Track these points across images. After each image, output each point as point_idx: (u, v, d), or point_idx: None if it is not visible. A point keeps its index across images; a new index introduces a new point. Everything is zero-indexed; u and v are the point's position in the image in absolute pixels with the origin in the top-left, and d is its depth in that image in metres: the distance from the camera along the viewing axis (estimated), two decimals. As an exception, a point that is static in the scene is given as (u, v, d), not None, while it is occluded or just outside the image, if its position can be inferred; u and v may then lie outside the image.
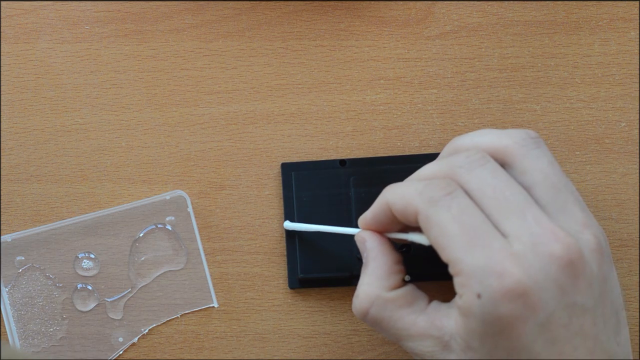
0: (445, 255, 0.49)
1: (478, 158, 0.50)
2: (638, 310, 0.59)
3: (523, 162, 0.50)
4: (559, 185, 0.50)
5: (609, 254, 0.50)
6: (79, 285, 0.59)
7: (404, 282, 0.53)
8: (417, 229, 0.51)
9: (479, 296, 0.48)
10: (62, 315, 0.59)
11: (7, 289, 0.59)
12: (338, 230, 0.56)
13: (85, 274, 0.59)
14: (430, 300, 0.52)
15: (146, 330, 0.59)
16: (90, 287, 0.59)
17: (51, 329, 0.59)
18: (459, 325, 0.49)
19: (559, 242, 0.48)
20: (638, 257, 0.60)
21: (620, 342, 0.49)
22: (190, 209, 0.59)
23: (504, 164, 0.51)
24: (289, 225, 0.58)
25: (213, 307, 0.59)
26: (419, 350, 0.51)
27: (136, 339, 0.59)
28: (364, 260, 0.53)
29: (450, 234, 0.48)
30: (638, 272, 0.60)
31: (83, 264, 0.59)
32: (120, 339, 0.59)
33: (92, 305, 0.59)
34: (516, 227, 0.48)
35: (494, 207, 0.49)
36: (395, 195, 0.51)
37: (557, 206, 0.49)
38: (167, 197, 0.59)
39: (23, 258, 0.59)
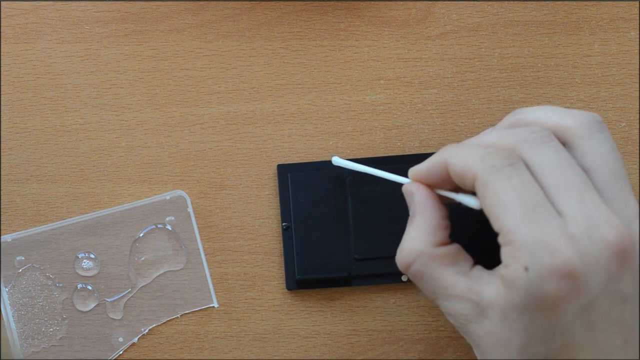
0: (498, 223, 0.48)
1: (543, 135, 0.50)
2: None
3: (584, 145, 0.50)
4: (618, 172, 0.49)
5: None
6: (79, 285, 0.59)
7: (450, 240, 0.52)
8: (468, 192, 0.51)
9: (526, 269, 0.47)
10: (62, 315, 0.59)
11: (7, 289, 0.59)
12: (387, 176, 0.55)
13: (85, 274, 0.59)
14: (474, 264, 0.52)
15: (146, 330, 0.59)
16: (90, 287, 0.59)
17: (51, 329, 0.59)
18: (499, 294, 0.49)
19: (613, 228, 0.48)
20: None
21: None
22: (190, 209, 0.59)
23: (565, 144, 0.51)
24: (337, 160, 0.58)
25: (213, 307, 0.59)
26: (454, 311, 0.51)
27: (136, 339, 0.59)
28: (410, 213, 0.53)
29: (507, 203, 0.48)
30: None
31: (83, 264, 0.59)
32: (120, 339, 0.59)
33: (92, 305, 0.59)
34: (573, 208, 0.48)
35: (553, 186, 0.49)
36: (455, 157, 0.50)
37: (614, 193, 0.49)
38: (167, 197, 0.59)
39: (23, 258, 0.59)
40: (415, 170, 0.53)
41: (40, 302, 0.59)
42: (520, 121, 0.52)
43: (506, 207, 0.48)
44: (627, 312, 0.48)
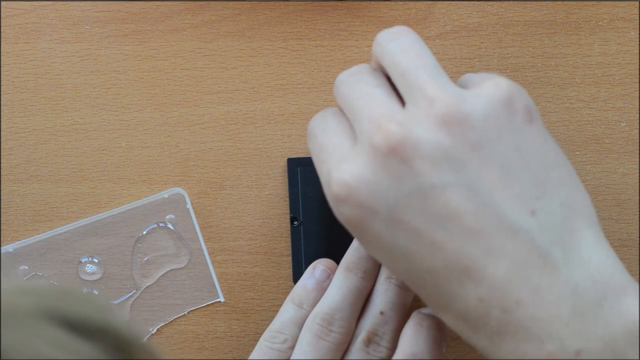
0: None
1: (353, 72, 0.51)
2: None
3: (383, 61, 0.50)
4: (409, 70, 0.48)
5: (477, 117, 0.47)
6: (84, 290, 0.59)
7: None
8: None
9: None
10: (65, 318, 0.59)
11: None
12: None
13: (90, 278, 0.59)
14: None
15: (154, 330, 0.59)
16: (96, 292, 0.59)
17: (52, 330, 0.59)
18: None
19: (380, 131, 0.47)
20: (638, 257, 0.60)
21: (541, 208, 0.47)
22: (189, 206, 0.59)
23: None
24: None
25: (214, 307, 0.59)
26: None
27: (144, 339, 0.59)
28: None
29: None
30: (638, 272, 0.60)
31: (87, 268, 0.59)
32: (124, 340, 0.59)
33: (96, 307, 0.59)
34: (357, 131, 0.48)
35: (349, 116, 0.50)
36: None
37: (407, 93, 0.48)
38: (166, 196, 0.59)
39: (27, 267, 0.59)
40: None
41: (42, 304, 0.59)
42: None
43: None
44: (454, 199, 0.46)
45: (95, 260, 0.59)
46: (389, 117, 0.47)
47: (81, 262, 0.59)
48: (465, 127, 0.46)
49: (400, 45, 0.49)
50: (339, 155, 0.48)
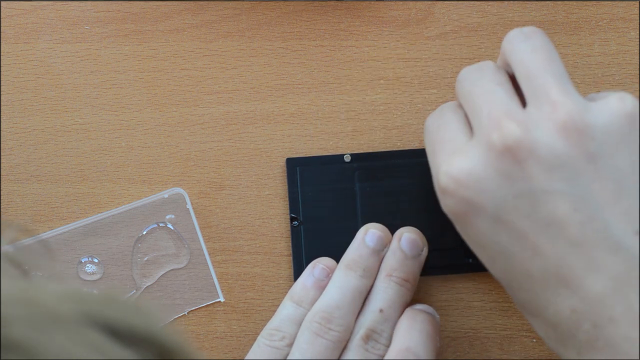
0: None
1: (477, 68, 0.51)
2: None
3: (510, 58, 0.50)
4: (537, 72, 0.48)
5: (598, 128, 0.47)
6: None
7: None
8: None
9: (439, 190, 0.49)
10: (64, 317, 0.59)
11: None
12: None
13: (89, 278, 0.59)
14: None
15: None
16: (96, 292, 0.59)
17: (53, 331, 0.59)
18: None
19: (498, 129, 0.46)
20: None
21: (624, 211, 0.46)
22: (189, 206, 0.59)
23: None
24: None
25: (214, 307, 0.59)
26: None
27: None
28: None
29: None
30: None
31: (87, 268, 0.59)
32: (124, 340, 0.59)
33: (96, 307, 0.59)
34: (475, 126, 0.48)
35: (467, 111, 0.49)
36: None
37: (531, 94, 0.48)
38: (166, 196, 0.59)
39: (26, 268, 0.59)
40: None
41: (41, 304, 0.59)
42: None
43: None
44: (560, 208, 0.46)
45: (95, 260, 0.59)
46: (509, 116, 0.47)
47: (81, 262, 0.59)
48: (585, 137, 0.46)
49: (531, 46, 0.49)
50: (451, 149, 0.48)
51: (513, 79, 0.50)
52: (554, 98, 0.47)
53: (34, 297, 0.33)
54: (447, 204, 0.48)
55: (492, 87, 0.49)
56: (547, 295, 0.46)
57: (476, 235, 0.48)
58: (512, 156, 0.46)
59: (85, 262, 0.59)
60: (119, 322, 0.34)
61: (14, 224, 0.56)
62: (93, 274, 0.59)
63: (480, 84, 0.49)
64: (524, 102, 0.48)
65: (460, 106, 0.51)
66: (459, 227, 0.49)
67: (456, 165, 0.47)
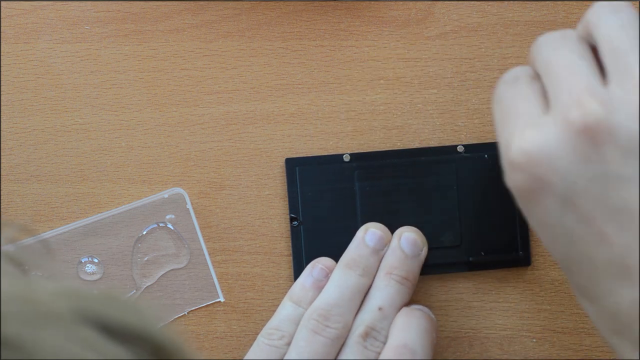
0: None
1: (559, 37, 0.48)
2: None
3: (595, 32, 0.47)
4: (624, 49, 0.46)
5: None
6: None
7: None
8: None
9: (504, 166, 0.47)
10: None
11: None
12: None
13: (89, 278, 0.59)
14: None
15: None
16: (91, 289, 0.59)
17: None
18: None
19: (579, 107, 0.44)
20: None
21: None
22: (189, 206, 0.59)
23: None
24: None
25: (214, 307, 0.59)
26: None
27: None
28: None
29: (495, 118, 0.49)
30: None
31: (87, 268, 0.59)
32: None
33: (96, 307, 0.59)
34: (553, 100, 0.46)
35: (545, 82, 0.47)
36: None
37: (615, 72, 0.45)
38: (166, 196, 0.59)
39: (26, 267, 0.59)
40: None
41: (41, 303, 0.59)
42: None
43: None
44: (633, 195, 0.44)
45: (95, 260, 0.59)
46: (592, 94, 0.44)
47: (81, 262, 0.59)
48: None
49: (620, 20, 0.46)
50: (525, 122, 0.46)
51: (594, 51, 0.48)
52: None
53: (29, 294, 0.33)
54: (514, 179, 0.46)
55: (574, 59, 0.46)
56: (609, 284, 0.45)
57: (541, 214, 0.46)
58: (591, 137, 0.44)
59: (85, 262, 0.59)
60: (114, 319, 0.33)
61: (14, 224, 0.56)
62: (93, 274, 0.59)
63: (562, 52, 0.47)
64: (604, 76, 0.46)
65: (536, 75, 0.49)
66: (522, 204, 0.47)
67: (530, 139, 0.45)
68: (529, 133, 0.45)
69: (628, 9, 0.47)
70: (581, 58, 0.46)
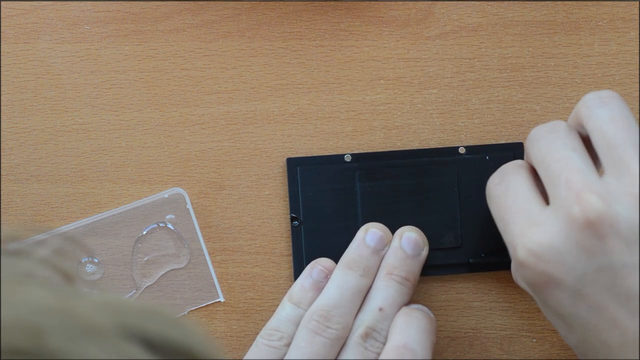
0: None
1: (550, 130, 0.50)
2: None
3: (586, 123, 0.49)
4: (615, 142, 0.47)
5: None
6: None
7: None
8: None
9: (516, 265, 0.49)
10: (64, 317, 0.59)
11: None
12: None
13: (89, 278, 0.59)
14: None
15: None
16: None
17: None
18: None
19: (579, 203, 0.46)
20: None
21: None
22: (189, 206, 0.59)
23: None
24: None
25: (214, 307, 0.59)
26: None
27: None
28: None
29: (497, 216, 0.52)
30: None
31: (87, 268, 0.59)
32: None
33: (96, 307, 0.59)
34: (552, 195, 0.48)
35: (542, 175, 0.49)
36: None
37: (610, 164, 0.47)
38: (166, 196, 0.59)
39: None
40: None
41: (41, 303, 0.59)
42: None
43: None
44: (633, 281, 0.46)
45: (95, 260, 0.59)
46: (589, 188, 0.46)
47: (81, 262, 0.59)
48: None
49: (609, 113, 0.48)
50: (527, 219, 0.48)
51: (585, 140, 0.50)
52: (635, 171, 0.46)
53: (72, 307, 0.33)
54: (525, 276, 0.48)
55: (567, 152, 0.48)
56: None
57: (555, 307, 0.48)
58: (594, 231, 0.46)
59: (85, 262, 0.59)
60: (157, 334, 0.33)
61: (58, 235, 0.56)
62: (93, 274, 0.59)
63: (555, 148, 0.49)
64: (596, 164, 0.48)
65: (524, 167, 0.51)
66: (536, 297, 0.49)
67: (535, 239, 0.47)
68: (533, 232, 0.47)
69: (616, 100, 0.49)
70: (572, 150, 0.48)
